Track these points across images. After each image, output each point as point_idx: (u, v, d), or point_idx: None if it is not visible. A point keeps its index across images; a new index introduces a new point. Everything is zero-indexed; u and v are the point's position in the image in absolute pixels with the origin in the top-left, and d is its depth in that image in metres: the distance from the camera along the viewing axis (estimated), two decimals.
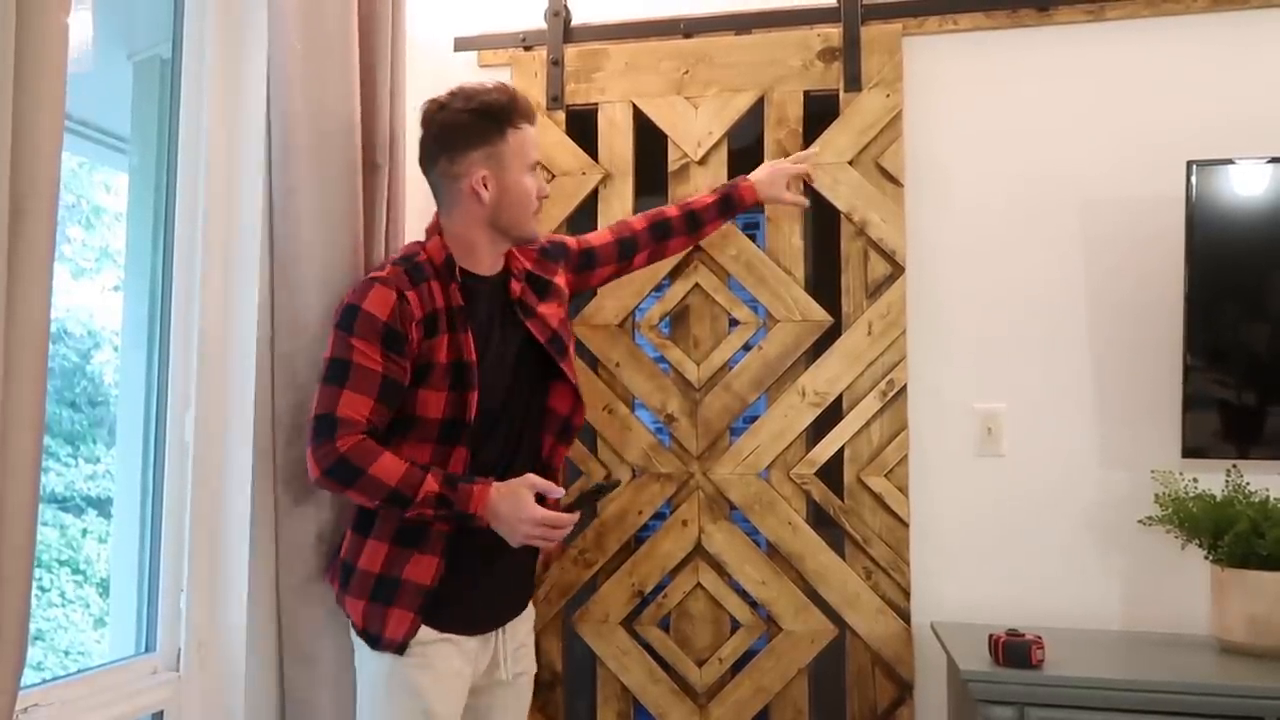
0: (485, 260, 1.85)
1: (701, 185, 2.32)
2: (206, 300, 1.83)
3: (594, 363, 2.35)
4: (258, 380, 1.85)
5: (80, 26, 1.67)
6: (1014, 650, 1.77)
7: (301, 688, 1.86)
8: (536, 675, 2.08)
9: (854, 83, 2.26)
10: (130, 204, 1.86)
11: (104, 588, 1.86)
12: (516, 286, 1.88)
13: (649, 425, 2.33)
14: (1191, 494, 1.96)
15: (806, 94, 2.30)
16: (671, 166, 2.35)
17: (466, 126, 1.79)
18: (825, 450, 2.22)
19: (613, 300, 2.33)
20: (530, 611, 2.00)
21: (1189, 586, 2.06)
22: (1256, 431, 1.99)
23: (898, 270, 2.21)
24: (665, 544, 2.28)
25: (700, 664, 2.25)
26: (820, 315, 2.26)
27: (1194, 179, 1.99)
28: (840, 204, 2.25)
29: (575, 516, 1.77)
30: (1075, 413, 2.16)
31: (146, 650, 1.79)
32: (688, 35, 2.37)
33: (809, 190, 2.28)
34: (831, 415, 2.23)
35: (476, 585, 1.81)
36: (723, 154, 2.33)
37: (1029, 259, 2.20)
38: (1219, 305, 2.00)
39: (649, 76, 2.36)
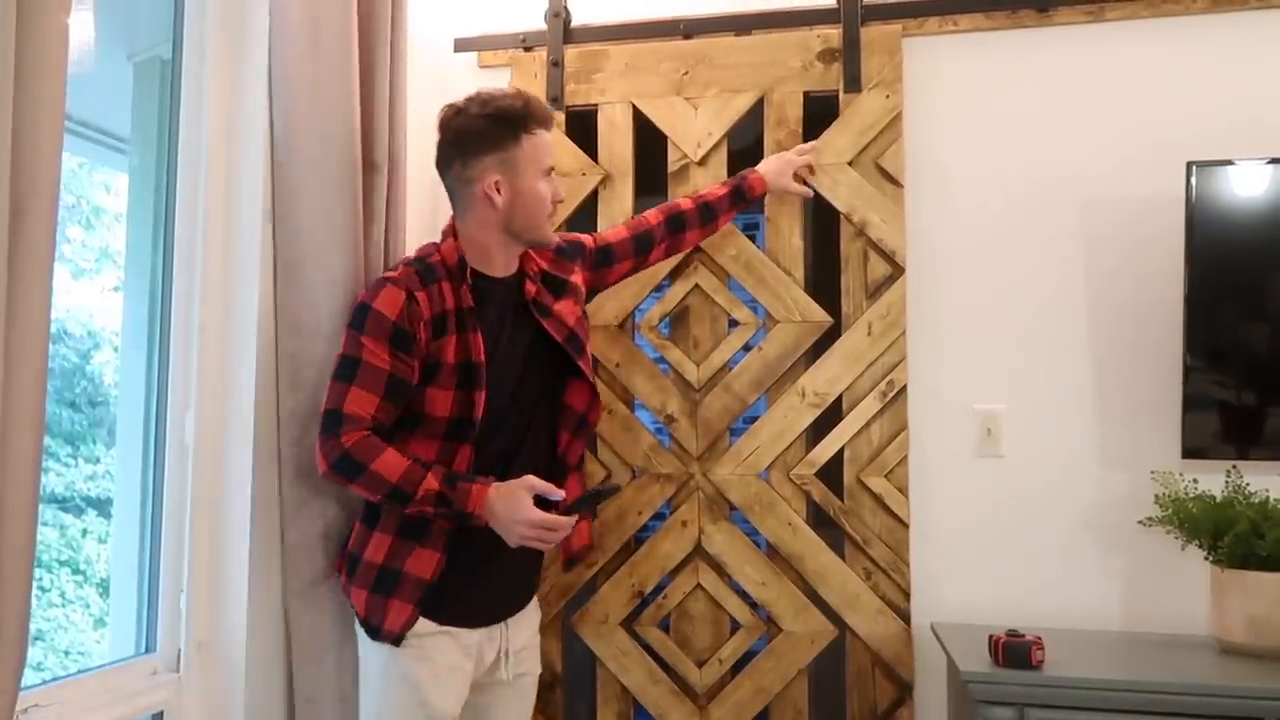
0: (499, 262, 1.87)
1: (701, 186, 2.32)
2: (206, 300, 1.84)
3: (594, 363, 2.34)
4: (258, 380, 1.85)
5: (80, 27, 1.67)
6: (1014, 651, 1.77)
7: (309, 686, 1.87)
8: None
9: (854, 84, 2.26)
10: (130, 204, 1.86)
11: (104, 588, 1.86)
12: (531, 287, 1.91)
13: (649, 426, 2.33)
14: (1191, 495, 1.96)
15: (806, 95, 2.30)
16: (671, 167, 2.35)
17: (481, 131, 1.81)
18: (825, 451, 2.22)
19: (612, 301, 2.33)
20: (535, 613, 2.01)
21: (1189, 587, 2.06)
22: (1256, 432, 1.99)
23: (897, 271, 2.22)
24: (665, 545, 2.28)
25: (700, 665, 2.25)
26: (820, 316, 2.26)
27: (1194, 180, 1.99)
28: (840, 204, 2.25)
29: (573, 520, 1.78)
30: (1075, 413, 2.16)
31: (146, 651, 1.79)
32: (687, 36, 2.37)
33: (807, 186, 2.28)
34: (831, 416, 2.23)
35: (477, 580, 1.83)
36: (722, 155, 2.33)
37: (1029, 260, 2.20)
38: (1219, 306, 2.00)
39: (649, 77, 2.36)
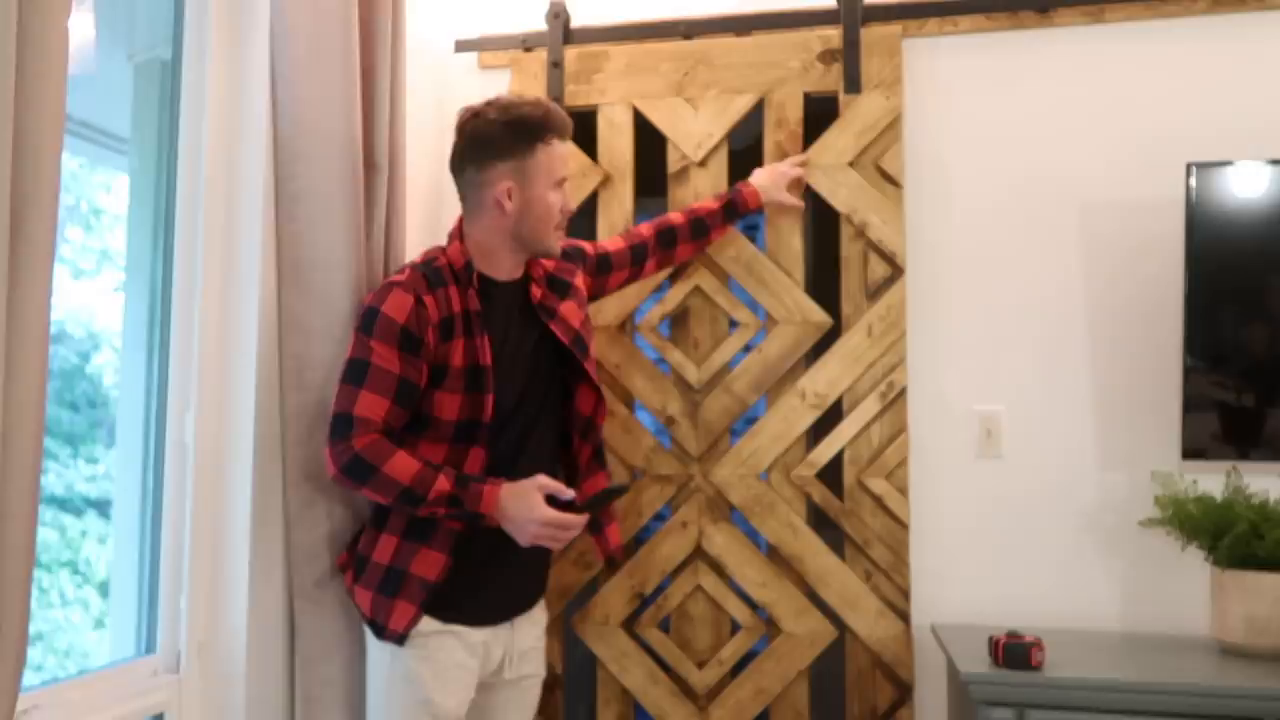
0: (505, 267, 1.89)
1: (701, 187, 2.32)
2: (206, 302, 1.84)
3: (595, 364, 2.35)
4: (258, 381, 1.85)
5: (81, 28, 1.67)
6: (1014, 652, 1.77)
7: (312, 686, 1.87)
8: None
9: (854, 84, 2.26)
10: (130, 205, 1.86)
11: (104, 589, 1.85)
12: (537, 291, 1.92)
13: (649, 427, 2.33)
14: (1191, 496, 1.96)
15: (806, 95, 2.30)
16: (671, 168, 2.35)
17: (496, 137, 1.82)
18: (825, 452, 2.22)
19: (613, 302, 2.33)
20: (542, 615, 2.02)
21: (1189, 588, 2.06)
22: (1256, 433, 1.99)
23: (897, 272, 2.22)
24: (665, 546, 2.28)
25: (700, 666, 2.25)
26: (820, 317, 2.26)
27: (1193, 181, 2.00)
28: (840, 206, 2.25)
29: (584, 518, 1.79)
30: (1075, 414, 2.16)
31: (146, 651, 1.79)
32: (688, 37, 2.37)
33: (808, 192, 2.28)
34: (831, 417, 2.23)
35: (483, 581, 1.84)
36: (722, 156, 2.33)
37: (1029, 261, 2.20)
38: (1218, 307, 2.00)
39: (649, 78, 2.37)
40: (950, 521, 2.19)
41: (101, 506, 1.86)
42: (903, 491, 2.18)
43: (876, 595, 2.17)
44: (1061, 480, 2.15)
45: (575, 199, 2.37)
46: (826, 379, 2.23)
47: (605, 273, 2.12)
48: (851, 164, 2.25)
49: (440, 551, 1.79)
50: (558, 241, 1.91)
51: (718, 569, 2.26)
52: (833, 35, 2.28)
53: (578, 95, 2.40)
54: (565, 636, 2.34)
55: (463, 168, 1.87)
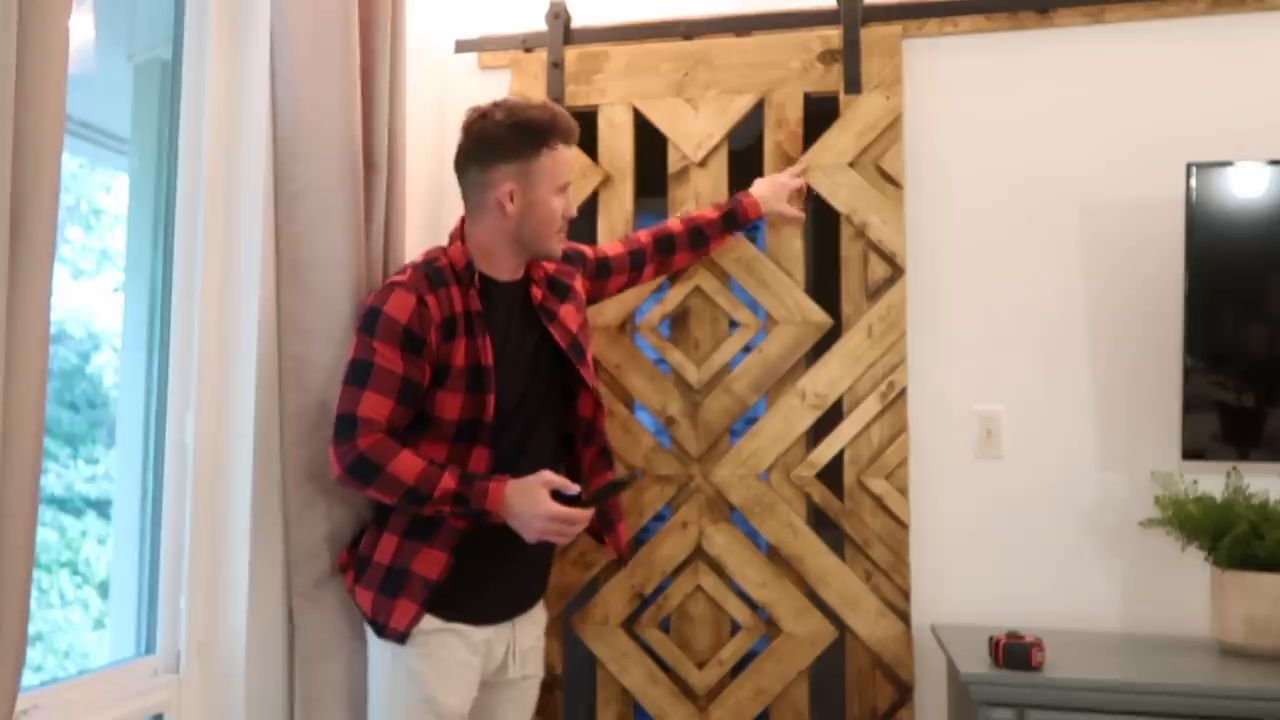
0: (505, 268, 1.89)
1: (701, 187, 2.32)
2: (206, 302, 1.84)
3: (595, 365, 2.34)
4: (258, 381, 1.85)
5: (81, 28, 1.67)
6: (1014, 652, 1.77)
7: (312, 687, 1.87)
8: None
9: (854, 85, 2.26)
10: (130, 206, 1.86)
11: (104, 589, 1.85)
12: (538, 292, 1.93)
13: (649, 427, 2.33)
14: (1191, 496, 1.96)
15: (806, 96, 2.30)
16: (671, 168, 2.35)
17: (502, 139, 1.82)
18: (825, 452, 2.22)
19: (613, 302, 2.32)
20: (542, 614, 2.03)
21: (1189, 588, 2.06)
22: (1256, 434, 1.98)
23: (898, 272, 2.22)
24: (665, 546, 2.28)
25: (700, 666, 2.25)
26: (820, 317, 2.26)
27: (1194, 181, 1.99)
28: (840, 206, 2.25)
29: (590, 513, 1.80)
30: (1075, 414, 2.16)
31: (146, 652, 1.79)
32: (688, 37, 2.37)
33: (809, 194, 2.28)
34: (832, 417, 2.23)
35: (485, 579, 1.84)
36: (723, 156, 2.33)
37: (1029, 261, 2.20)
38: (1219, 307, 2.00)
39: (649, 78, 2.37)
40: (950, 521, 2.19)
41: (101, 507, 1.86)
42: (903, 491, 2.18)
43: (876, 595, 2.17)
44: (1061, 480, 2.15)
45: (576, 199, 2.37)
46: (826, 379, 2.23)
47: (604, 277, 2.13)
48: (851, 164, 2.25)
49: (442, 551, 1.79)
50: (558, 245, 1.91)
51: (718, 569, 2.26)
52: (833, 35, 2.28)
53: (578, 95, 2.40)
54: (565, 636, 2.34)
55: (467, 168, 1.87)
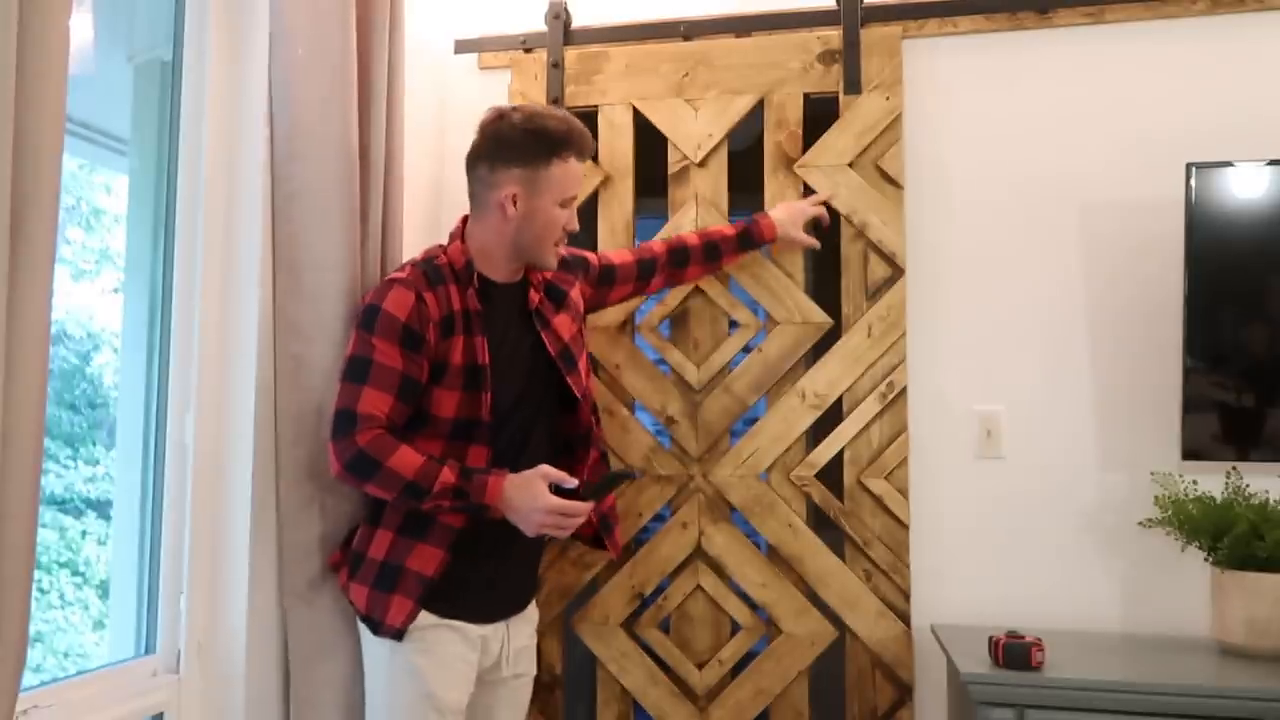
0: (502, 270, 1.90)
1: (701, 187, 2.32)
2: (206, 302, 1.84)
3: (594, 365, 2.35)
4: (258, 382, 1.85)
5: (81, 28, 1.67)
6: (1014, 652, 1.77)
7: (306, 688, 1.87)
8: (537, 677, 2.08)
9: (854, 85, 2.26)
10: (130, 206, 1.86)
11: (103, 590, 1.85)
12: (535, 296, 1.93)
13: (649, 427, 2.33)
14: (1191, 496, 1.96)
15: (806, 96, 2.30)
16: (671, 169, 2.35)
17: (514, 143, 1.82)
18: (825, 452, 2.22)
19: None
20: (534, 614, 2.03)
21: (1189, 588, 2.06)
22: (1256, 434, 1.98)
23: (897, 272, 2.22)
24: (665, 546, 2.28)
25: (700, 666, 2.25)
26: (820, 317, 2.26)
27: (1193, 181, 1.99)
28: (840, 206, 2.25)
29: (589, 505, 1.80)
30: (1075, 415, 2.16)
31: (146, 652, 1.79)
32: (688, 38, 2.37)
33: (808, 193, 2.28)
34: (831, 417, 2.23)
35: (480, 577, 1.84)
36: (722, 156, 2.34)
37: (1029, 261, 2.20)
38: (1218, 308, 2.00)
39: (649, 79, 2.37)
40: (950, 521, 2.19)
41: (101, 507, 1.86)
42: (903, 492, 2.18)
43: (876, 595, 2.17)
44: (1061, 480, 2.15)
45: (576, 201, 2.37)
46: (826, 379, 2.23)
47: (608, 285, 2.12)
48: (851, 164, 2.25)
49: (438, 548, 1.79)
50: (554, 257, 1.91)
51: (718, 569, 2.26)
52: (833, 36, 2.28)
53: (578, 96, 2.40)
54: (565, 636, 2.34)
55: (477, 165, 1.87)
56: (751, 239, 2.20)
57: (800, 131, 2.29)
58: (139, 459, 1.83)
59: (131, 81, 1.90)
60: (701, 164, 2.33)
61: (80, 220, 1.85)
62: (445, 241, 1.92)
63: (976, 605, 2.16)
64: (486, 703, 1.93)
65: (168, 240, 1.83)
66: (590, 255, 2.12)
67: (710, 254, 2.19)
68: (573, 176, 1.86)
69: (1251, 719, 1.67)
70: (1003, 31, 2.23)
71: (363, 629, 1.83)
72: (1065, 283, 2.18)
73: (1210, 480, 1.98)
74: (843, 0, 2.26)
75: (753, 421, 2.27)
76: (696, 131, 2.34)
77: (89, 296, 1.86)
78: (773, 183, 2.29)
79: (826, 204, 2.26)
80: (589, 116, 2.39)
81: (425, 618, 1.79)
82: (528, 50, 2.44)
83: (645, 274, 2.16)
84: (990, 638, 1.83)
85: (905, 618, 2.16)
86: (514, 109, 1.87)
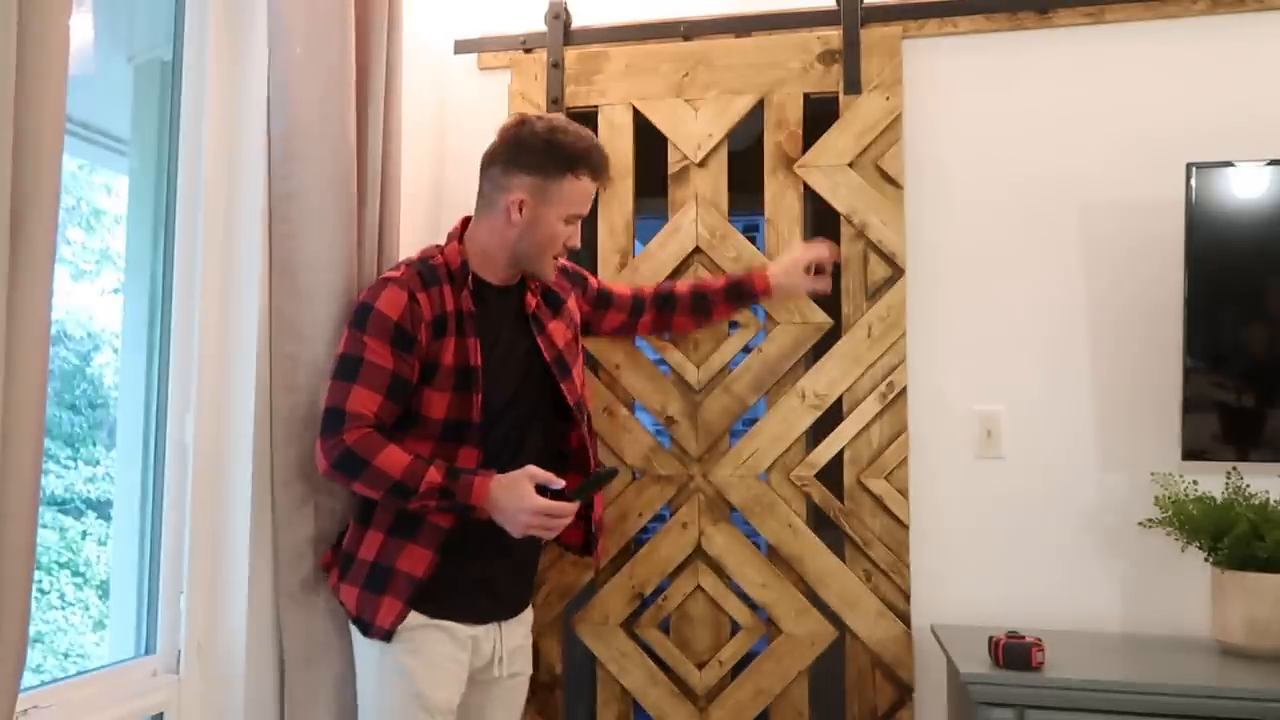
0: (498, 274, 1.90)
1: (701, 187, 2.32)
2: (207, 302, 1.84)
3: (594, 365, 2.35)
4: (258, 382, 1.85)
5: (81, 28, 1.67)
6: (1014, 652, 1.77)
7: (300, 689, 1.87)
8: (536, 677, 2.08)
9: (854, 85, 2.26)
10: (130, 206, 1.86)
11: (104, 590, 1.85)
12: (532, 300, 1.94)
13: (649, 427, 2.33)
14: (1191, 496, 1.96)
15: (806, 96, 2.30)
16: (671, 169, 2.35)
17: (533, 150, 1.83)
18: (825, 452, 2.22)
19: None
20: (529, 614, 2.03)
21: (1189, 589, 2.06)
22: (1256, 434, 1.98)
23: (898, 272, 2.22)
24: (665, 546, 2.28)
25: (700, 666, 2.25)
26: (820, 318, 2.26)
27: (1194, 181, 1.99)
28: (840, 206, 2.25)
29: (575, 506, 1.80)
30: (1075, 415, 2.16)
31: (146, 652, 1.79)
32: (687, 38, 2.37)
33: (807, 192, 2.28)
34: (831, 417, 2.23)
35: (470, 577, 1.84)
36: (722, 156, 2.33)
37: (1029, 261, 2.20)
38: (1219, 308, 2.00)
39: (649, 79, 2.37)
40: (950, 521, 2.19)
41: (101, 508, 1.86)
42: (903, 492, 2.18)
43: (876, 596, 2.17)
44: (1061, 480, 2.15)
45: None
46: (826, 379, 2.23)
47: (604, 308, 2.14)
48: (851, 165, 2.25)
49: (427, 549, 1.79)
50: (552, 270, 1.92)
51: (718, 569, 2.26)
52: (833, 36, 2.28)
53: (578, 96, 2.40)
54: (565, 636, 2.34)
55: (491, 165, 1.88)
56: (743, 293, 2.17)
57: (800, 131, 2.29)
58: (139, 459, 1.83)
59: (131, 81, 1.90)
60: (701, 164, 2.33)
61: (80, 220, 1.85)
62: (443, 242, 1.92)
63: (976, 605, 2.16)
64: (480, 702, 1.93)
65: (168, 240, 1.83)
66: (590, 275, 2.15)
67: (698, 305, 2.18)
68: (583, 195, 1.87)
69: (1252, 719, 1.67)
70: (1003, 31, 2.23)
71: (353, 630, 1.83)
72: (1065, 283, 2.18)
73: (1210, 480, 1.98)
74: (843, 0, 2.27)
75: (753, 421, 2.27)
76: (696, 131, 2.34)
77: (89, 297, 1.86)
78: (773, 183, 2.29)
79: (826, 203, 2.25)
80: (589, 116, 2.39)
81: (414, 618, 1.79)
82: (528, 50, 2.44)
83: (636, 310, 2.18)
84: (990, 638, 1.83)
85: (905, 618, 2.16)
86: (539, 118, 1.88)
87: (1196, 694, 1.69)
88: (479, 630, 1.86)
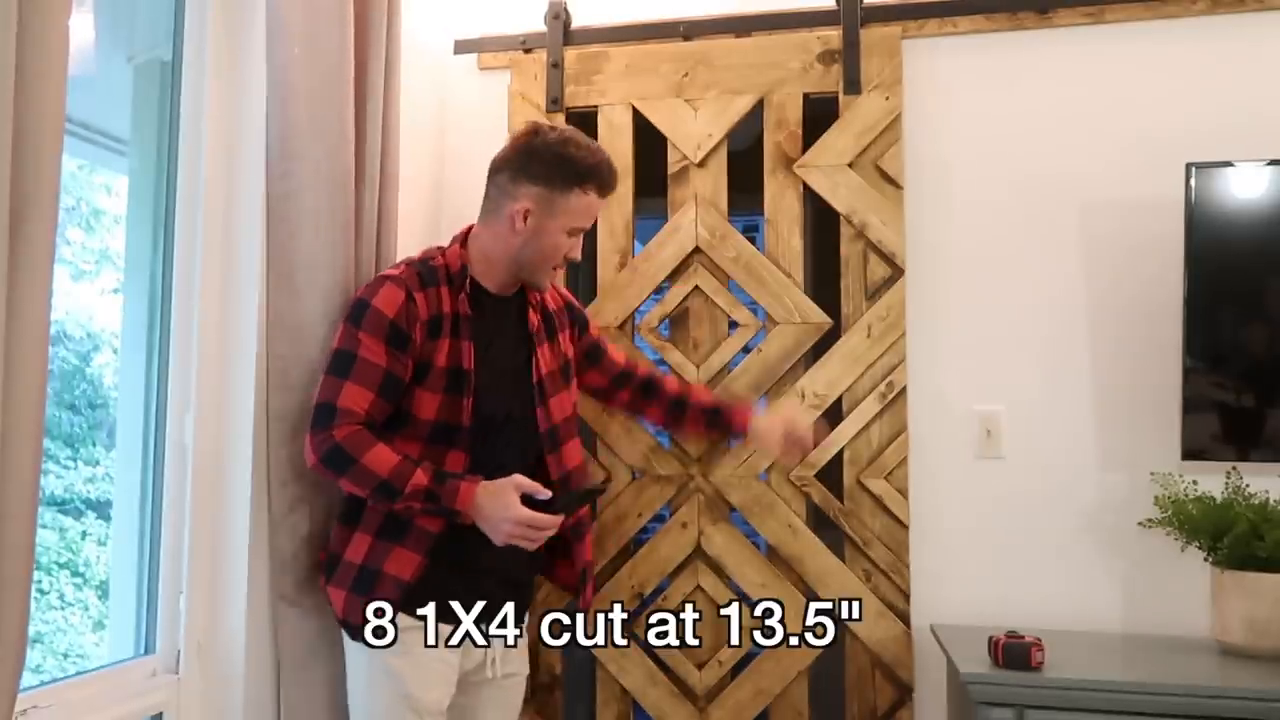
0: (497, 280, 1.89)
1: (701, 188, 2.32)
2: (206, 303, 1.83)
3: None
4: (258, 383, 1.85)
5: (81, 28, 1.67)
6: (1013, 652, 1.77)
7: (294, 691, 1.87)
8: (536, 677, 2.08)
9: (853, 85, 2.26)
10: (130, 206, 1.86)
11: (103, 590, 1.85)
12: (535, 319, 1.93)
13: (649, 427, 2.33)
14: (1191, 496, 1.96)
15: (806, 96, 2.30)
16: (671, 169, 2.35)
17: (543, 161, 1.82)
18: (825, 452, 2.22)
19: (613, 302, 2.33)
20: (525, 615, 2.00)
21: (1189, 588, 2.06)
22: (1256, 434, 1.98)
23: (897, 272, 2.22)
24: (665, 546, 2.28)
25: (700, 666, 2.25)
26: (820, 317, 2.26)
27: (1193, 181, 1.99)
28: (840, 206, 2.25)
29: (559, 519, 1.77)
30: (1075, 415, 2.16)
31: (146, 652, 1.79)
32: (687, 38, 2.37)
33: (807, 192, 2.28)
34: (831, 417, 2.23)
35: (458, 580, 1.82)
36: (722, 156, 2.34)
37: (1029, 261, 2.20)
38: (1218, 308, 2.00)
39: (649, 79, 2.37)
40: (950, 521, 2.19)
41: (101, 508, 1.86)
42: (903, 492, 2.18)
43: (876, 596, 2.17)
44: (1062, 480, 2.15)
45: None
46: (826, 379, 2.23)
47: (590, 364, 2.10)
48: (851, 165, 2.25)
49: (415, 552, 1.77)
50: (548, 281, 1.92)
51: (717, 569, 2.26)
52: (832, 36, 2.28)
53: (577, 96, 2.40)
54: None
55: (500, 172, 1.87)
56: (720, 420, 2.10)
57: (800, 131, 2.29)
58: (139, 459, 1.83)
59: (131, 81, 1.90)
60: (701, 164, 2.33)
61: (80, 221, 1.85)
62: (445, 244, 1.92)
63: (976, 605, 2.16)
64: (474, 703, 1.92)
65: (167, 241, 1.83)
66: (592, 323, 2.12)
67: (675, 408, 2.11)
68: (588, 210, 1.86)
69: (1252, 719, 1.67)
70: (1003, 31, 2.23)
71: (342, 632, 1.82)
72: (1065, 283, 2.18)
73: (1210, 480, 1.98)
74: (843, 0, 2.27)
75: None
76: (696, 131, 2.34)
77: (89, 297, 1.86)
78: (772, 183, 2.29)
79: (826, 203, 2.25)
80: (589, 116, 2.39)
81: (402, 619, 1.77)
82: (527, 50, 2.44)
83: (618, 382, 2.12)
84: (990, 638, 1.83)
85: (905, 618, 2.16)
86: (551, 128, 1.86)
87: (1196, 694, 1.69)
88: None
